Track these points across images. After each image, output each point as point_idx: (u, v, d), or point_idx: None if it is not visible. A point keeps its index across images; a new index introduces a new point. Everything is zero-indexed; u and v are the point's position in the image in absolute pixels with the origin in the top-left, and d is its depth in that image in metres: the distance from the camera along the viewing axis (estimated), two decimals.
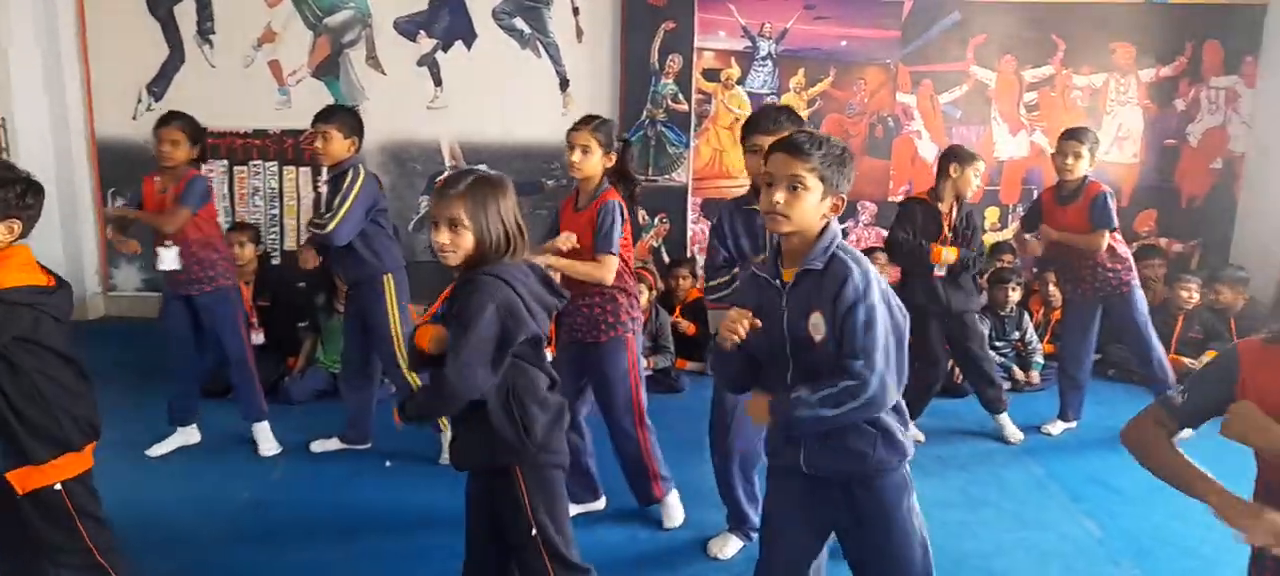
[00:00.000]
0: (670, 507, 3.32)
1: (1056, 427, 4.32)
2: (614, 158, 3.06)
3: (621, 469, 3.30)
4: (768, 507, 2.10)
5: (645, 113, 5.74)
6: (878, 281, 1.84)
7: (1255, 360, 1.48)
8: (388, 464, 3.86)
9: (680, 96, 5.70)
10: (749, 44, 5.68)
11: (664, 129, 5.75)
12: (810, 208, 1.82)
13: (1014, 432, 4.22)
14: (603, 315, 3.04)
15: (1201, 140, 5.81)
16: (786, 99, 5.73)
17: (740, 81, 5.72)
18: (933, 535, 3.24)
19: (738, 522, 3.12)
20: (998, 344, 5.33)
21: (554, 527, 2.15)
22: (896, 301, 1.90)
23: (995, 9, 5.65)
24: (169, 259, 3.63)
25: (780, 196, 1.80)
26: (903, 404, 1.95)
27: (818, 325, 1.82)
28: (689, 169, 5.79)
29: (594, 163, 3.00)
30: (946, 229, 3.96)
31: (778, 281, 1.90)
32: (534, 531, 2.11)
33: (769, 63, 5.70)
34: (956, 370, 4.62)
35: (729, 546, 3.11)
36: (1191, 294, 5.08)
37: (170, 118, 3.64)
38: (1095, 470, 3.87)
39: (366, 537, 3.24)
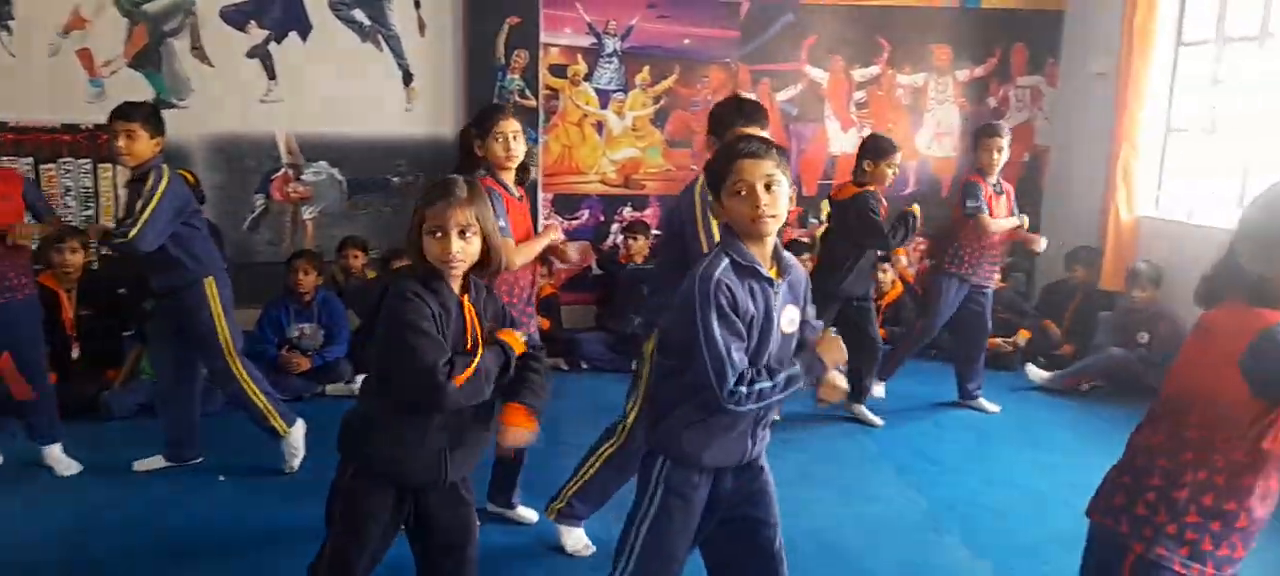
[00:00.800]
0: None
1: (880, 389, 4.69)
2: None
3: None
4: (674, 520, 2.03)
5: (499, 103, 5.68)
6: None
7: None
8: (222, 478, 3.66)
9: (527, 92, 5.68)
10: (595, 41, 5.73)
11: None
12: (784, 202, 1.90)
13: (872, 418, 4.46)
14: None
15: (1011, 135, 6.29)
16: (634, 96, 5.82)
17: (587, 78, 5.77)
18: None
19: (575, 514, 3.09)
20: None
21: None
22: None
23: (825, 11, 5.93)
24: None
25: (765, 198, 1.85)
26: None
27: (794, 319, 1.96)
28: (539, 165, 5.78)
29: (522, 148, 3.01)
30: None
31: (769, 280, 1.93)
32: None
33: (615, 60, 5.78)
34: None
35: (578, 538, 3.10)
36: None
37: None
38: (920, 443, 4.16)
39: (203, 561, 3.03)
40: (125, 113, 3.33)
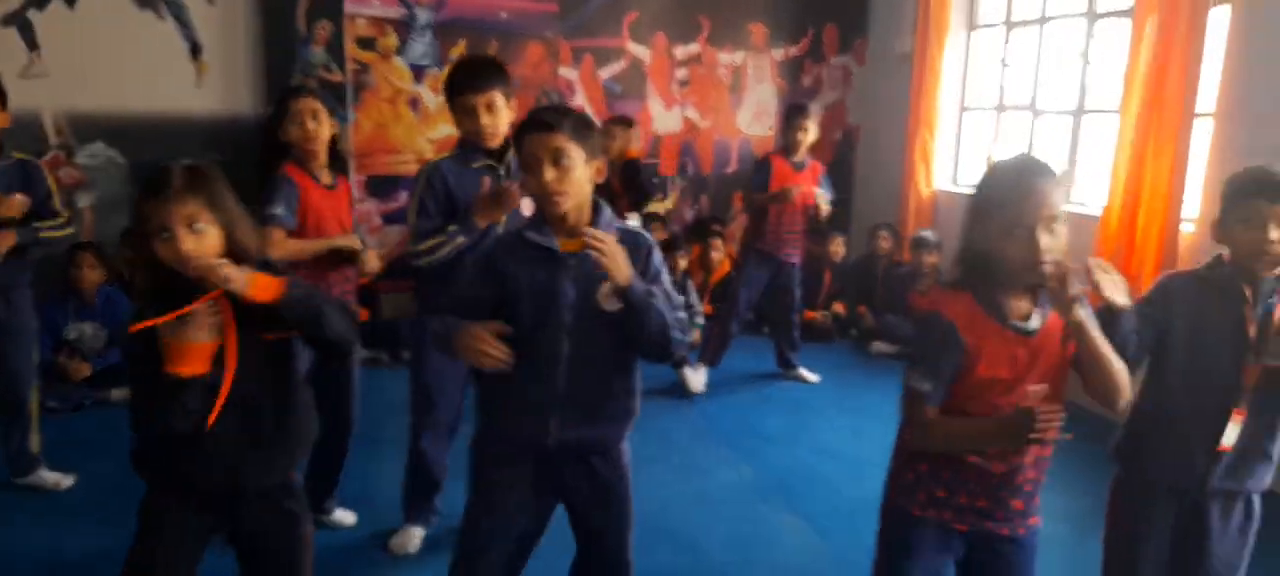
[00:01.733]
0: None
1: (700, 384, 4.65)
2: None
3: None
4: (484, 497, 1.96)
5: (294, 82, 5.28)
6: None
7: (948, 302, 1.65)
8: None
9: (333, 66, 5.32)
10: (406, 12, 5.43)
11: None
12: (579, 179, 1.79)
13: (695, 384, 4.53)
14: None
15: (825, 114, 6.54)
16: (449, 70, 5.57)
17: (399, 51, 5.46)
18: None
19: (418, 512, 2.95)
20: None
21: None
22: None
23: None
24: None
25: (551, 173, 1.76)
26: None
27: (607, 293, 1.79)
28: (349, 143, 5.43)
29: (326, 128, 2.79)
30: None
31: (556, 253, 1.82)
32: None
33: (428, 33, 5.50)
34: None
35: (413, 539, 2.93)
36: (839, 249, 5.96)
37: None
38: (747, 417, 4.24)
39: None
40: None
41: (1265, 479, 1.92)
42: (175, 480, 1.79)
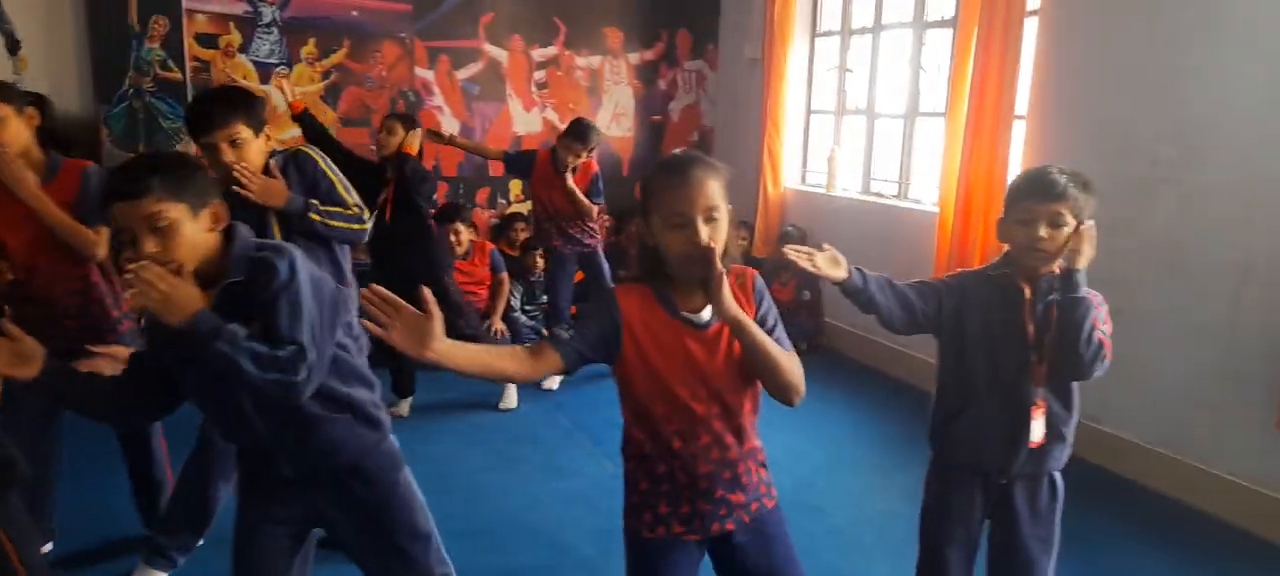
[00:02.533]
0: None
1: (554, 381, 4.67)
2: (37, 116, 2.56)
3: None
4: (246, 533, 1.88)
5: (128, 81, 4.98)
6: (303, 265, 1.70)
7: (625, 293, 1.69)
8: None
9: (170, 63, 5.04)
10: (250, 9, 5.21)
11: (154, 100, 5.04)
12: (189, 237, 1.62)
13: (511, 400, 4.45)
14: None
15: (681, 116, 6.73)
16: (299, 70, 5.39)
17: (243, 49, 5.24)
18: (475, 499, 3.40)
19: (159, 550, 2.72)
20: (528, 308, 5.66)
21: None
22: (330, 280, 1.81)
23: None
24: None
25: (152, 246, 1.59)
26: (371, 375, 1.93)
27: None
28: (188, 145, 5.16)
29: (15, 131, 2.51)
30: (388, 189, 4.10)
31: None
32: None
33: (274, 30, 5.30)
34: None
35: None
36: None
37: None
38: (614, 416, 4.27)
39: None
40: None
41: (1063, 458, 2.06)
42: None
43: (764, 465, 1.81)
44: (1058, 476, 2.07)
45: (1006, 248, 2.01)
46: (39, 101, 2.66)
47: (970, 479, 2.05)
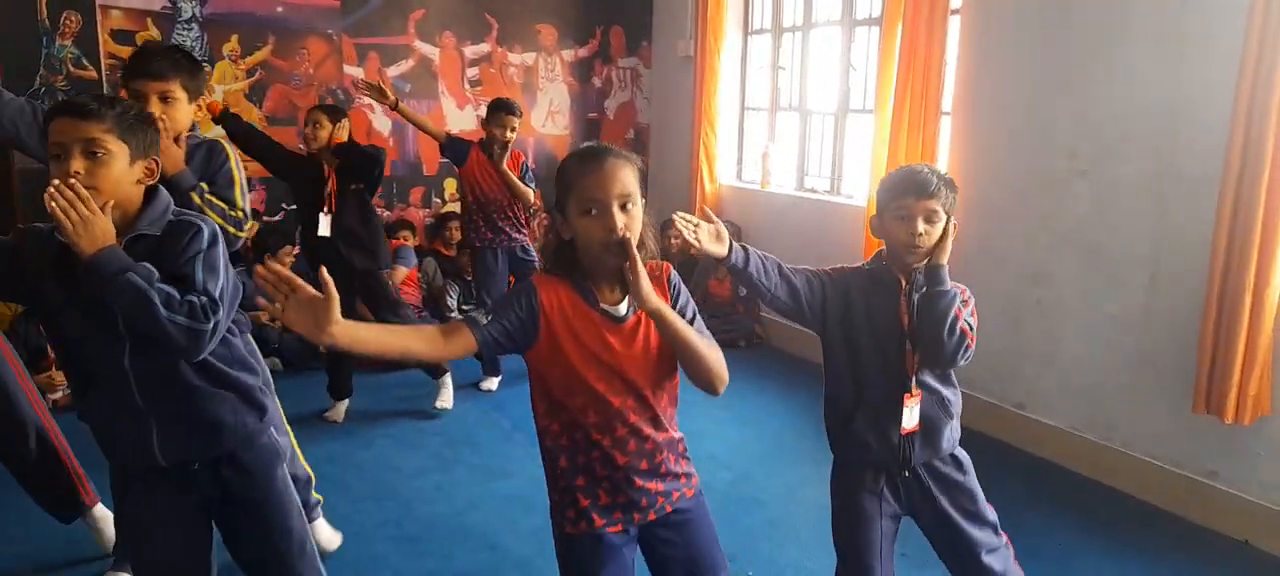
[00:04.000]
0: (101, 521, 2.87)
1: (492, 382, 4.67)
2: None
3: (31, 488, 2.77)
4: (134, 529, 1.84)
5: (40, 79, 4.77)
6: (221, 240, 1.74)
7: (545, 283, 1.68)
8: None
9: (85, 61, 4.85)
10: (169, 5, 5.04)
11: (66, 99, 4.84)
12: (119, 176, 1.64)
13: (446, 400, 4.37)
14: None
15: (617, 113, 6.73)
16: (221, 68, 5.24)
17: None
18: (412, 503, 3.36)
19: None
20: (465, 307, 5.61)
21: None
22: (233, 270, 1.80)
23: None
24: None
25: (79, 165, 1.60)
26: (263, 365, 1.91)
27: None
28: None
29: None
30: (328, 187, 3.99)
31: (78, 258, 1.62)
32: None
33: (195, 27, 5.14)
34: None
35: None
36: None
37: None
38: None
39: None
40: None
41: (955, 436, 2.09)
42: None
43: (685, 455, 1.81)
44: (959, 452, 2.10)
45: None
46: None
47: (874, 477, 2.07)
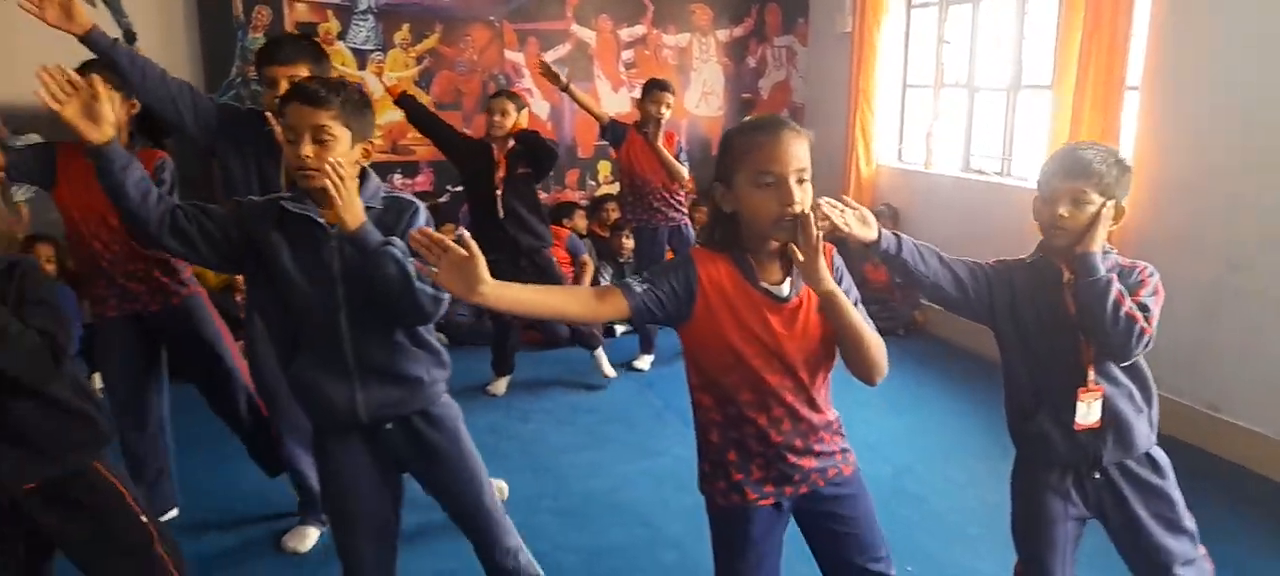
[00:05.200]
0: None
1: (644, 362, 4.72)
2: (136, 105, 2.69)
3: (247, 446, 3.05)
4: (333, 483, 1.97)
5: (234, 70, 5.19)
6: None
7: (704, 258, 1.65)
8: None
9: None
10: None
11: (259, 88, 5.23)
12: (342, 157, 1.75)
13: (606, 369, 4.53)
14: (165, 275, 2.79)
15: (771, 93, 6.63)
16: (393, 56, 5.52)
17: (341, 36, 5.39)
18: (564, 477, 3.44)
19: (310, 509, 2.95)
20: None
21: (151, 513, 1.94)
22: None
23: None
24: None
25: (309, 149, 1.72)
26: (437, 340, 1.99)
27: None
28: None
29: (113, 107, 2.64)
30: (499, 168, 4.10)
31: (319, 225, 1.80)
32: (144, 519, 1.90)
33: (370, 17, 5.43)
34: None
35: (306, 538, 2.92)
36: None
37: None
38: None
39: None
40: None
41: (1150, 435, 1.92)
42: None
43: (840, 433, 1.77)
44: (1156, 452, 1.94)
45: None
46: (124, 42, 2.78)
47: (1060, 476, 1.94)
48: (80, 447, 1.82)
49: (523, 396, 4.33)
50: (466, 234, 1.48)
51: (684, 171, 4.55)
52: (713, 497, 1.75)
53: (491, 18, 5.73)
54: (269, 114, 2.50)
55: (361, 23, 5.42)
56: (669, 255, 4.92)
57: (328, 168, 1.67)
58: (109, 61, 2.39)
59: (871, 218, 1.78)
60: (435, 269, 1.47)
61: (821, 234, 1.53)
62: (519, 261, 4.13)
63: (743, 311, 1.61)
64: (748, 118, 1.66)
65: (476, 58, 5.74)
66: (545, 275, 4.25)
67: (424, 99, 5.55)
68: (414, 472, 2.02)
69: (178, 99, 2.49)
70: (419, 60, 5.61)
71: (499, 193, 4.06)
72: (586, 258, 5.33)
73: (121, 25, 4.94)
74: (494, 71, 5.80)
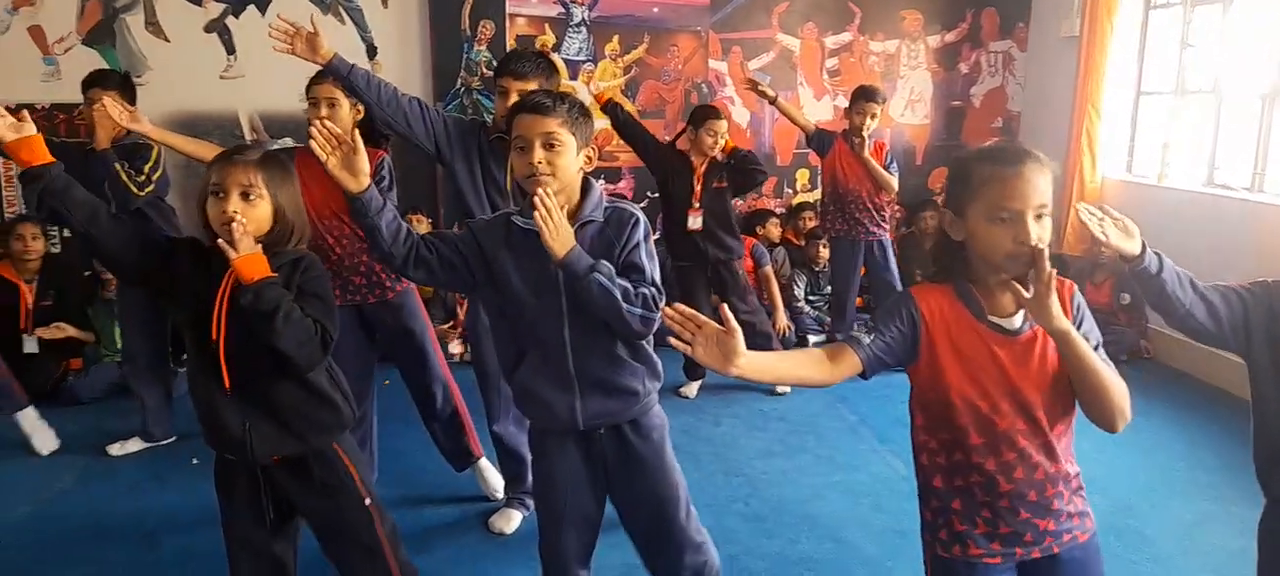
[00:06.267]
0: (487, 472, 3.30)
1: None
2: (361, 110, 2.93)
3: (435, 436, 3.26)
4: (546, 479, 2.05)
5: (459, 81, 5.58)
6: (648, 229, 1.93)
7: (924, 293, 1.58)
8: (195, 461, 3.57)
9: (495, 64, 5.55)
10: (562, 10, 5.63)
11: (480, 97, 5.61)
12: (568, 164, 1.83)
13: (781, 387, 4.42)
14: (385, 272, 3.00)
15: (983, 100, 6.31)
16: (603, 67, 5.74)
17: (556, 48, 5.67)
18: (755, 483, 3.45)
19: (517, 491, 3.12)
20: (812, 298, 5.63)
21: (376, 497, 2.11)
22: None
23: None
24: None
25: (539, 155, 1.80)
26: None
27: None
28: None
29: (344, 115, 2.87)
30: (696, 184, 4.17)
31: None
32: (368, 501, 2.07)
33: (583, 29, 5.68)
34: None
35: (512, 520, 3.09)
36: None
37: None
38: (902, 413, 4.13)
39: (171, 539, 3.00)
40: (99, 80, 3.30)
41: None
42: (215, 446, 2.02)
43: (1080, 492, 1.63)
44: None
45: None
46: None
47: None
48: (325, 430, 2.01)
49: (713, 400, 4.37)
50: (726, 309, 1.49)
51: (894, 182, 4.47)
52: (933, 547, 1.67)
53: (698, 28, 5.83)
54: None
55: (575, 35, 5.68)
56: (862, 271, 4.82)
57: (538, 198, 1.75)
58: (348, 85, 2.65)
59: (1134, 228, 1.66)
60: (689, 344, 1.48)
61: (1054, 272, 1.43)
62: (707, 271, 4.20)
63: (967, 347, 1.54)
64: (990, 145, 1.57)
65: (681, 67, 5.86)
66: (726, 286, 4.29)
67: (630, 107, 5.75)
68: (614, 481, 2.05)
69: (408, 114, 2.71)
70: (627, 70, 5.80)
71: (695, 203, 4.14)
72: (768, 269, 5.30)
73: (365, 39, 5.49)
74: (697, 80, 5.90)
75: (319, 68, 2.70)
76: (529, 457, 2.99)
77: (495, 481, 3.28)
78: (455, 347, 4.92)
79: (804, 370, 1.62)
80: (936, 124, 6.25)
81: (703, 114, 4.24)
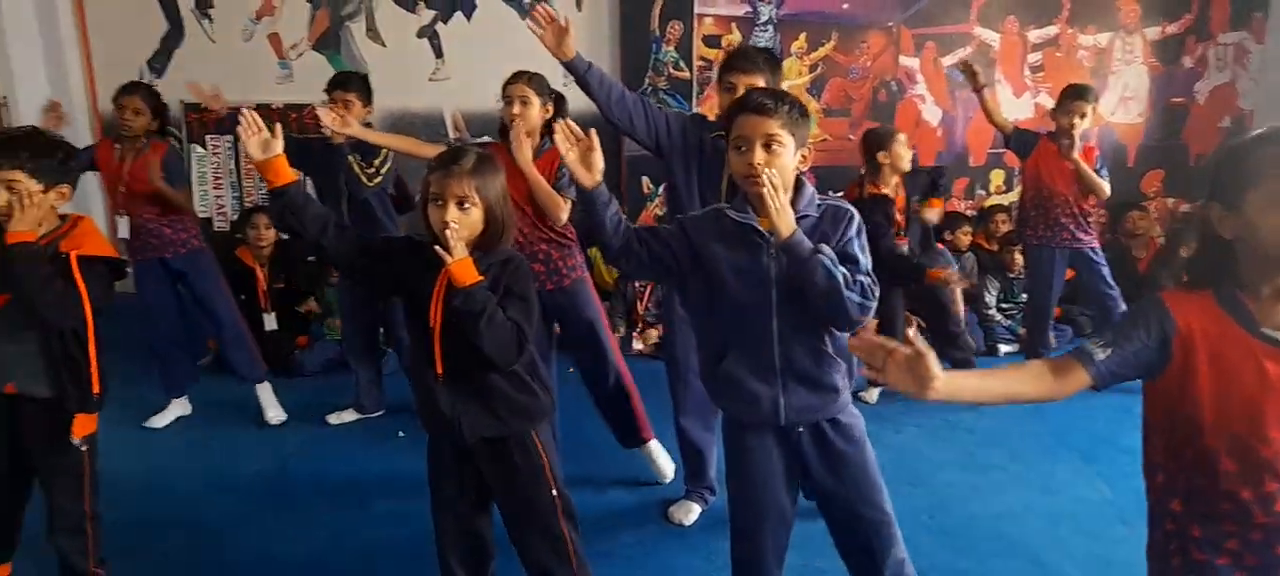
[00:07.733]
0: (656, 454, 3.38)
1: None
2: (551, 109, 3.05)
3: (606, 415, 3.37)
4: (744, 476, 2.05)
5: (647, 80, 5.70)
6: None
7: (1178, 300, 1.42)
8: (401, 433, 3.89)
9: (681, 64, 5.66)
10: (750, 9, 5.63)
11: (666, 96, 5.72)
12: (786, 164, 1.84)
13: None
14: (561, 260, 3.11)
15: (1209, 98, 5.78)
16: (789, 65, 5.70)
17: None
18: (941, 496, 3.33)
19: (697, 485, 3.15)
20: (1005, 306, 5.36)
21: (562, 488, 2.20)
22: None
23: None
24: (123, 227, 3.77)
25: (760, 156, 1.82)
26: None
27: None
28: None
29: (535, 113, 3.03)
30: (898, 213, 4.07)
31: (758, 232, 1.89)
32: (555, 492, 2.17)
33: (770, 28, 5.66)
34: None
35: (691, 512, 3.12)
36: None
37: (132, 88, 3.71)
38: (1105, 431, 3.89)
39: (382, 502, 3.28)
40: (343, 82, 3.63)
41: None
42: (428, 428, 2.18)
43: None
44: None
45: None
46: (557, 98, 3.21)
47: None
48: (525, 416, 2.13)
49: (893, 406, 4.24)
50: (913, 332, 1.44)
51: (1105, 187, 4.17)
52: (1161, 570, 1.54)
53: (889, 23, 5.67)
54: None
55: (762, 33, 5.67)
56: (1069, 274, 4.53)
57: (764, 177, 1.78)
58: (583, 83, 2.77)
59: None
60: (880, 373, 1.42)
61: None
62: (904, 288, 4.15)
63: (1231, 361, 1.37)
64: (1263, 130, 1.37)
65: (870, 64, 5.72)
66: (933, 299, 4.19)
67: (813, 106, 5.69)
68: (815, 481, 2.03)
69: (633, 112, 2.81)
70: (813, 68, 5.73)
71: (901, 232, 4.11)
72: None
73: None
74: (886, 77, 5.74)
75: (516, 70, 2.88)
76: (711, 453, 3.07)
77: (665, 465, 3.37)
78: (636, 344, 5.04)
79: (1020, 387, 1.50)
80: (1152, 123, 5.79)
81: (878, 139, 4.10)
